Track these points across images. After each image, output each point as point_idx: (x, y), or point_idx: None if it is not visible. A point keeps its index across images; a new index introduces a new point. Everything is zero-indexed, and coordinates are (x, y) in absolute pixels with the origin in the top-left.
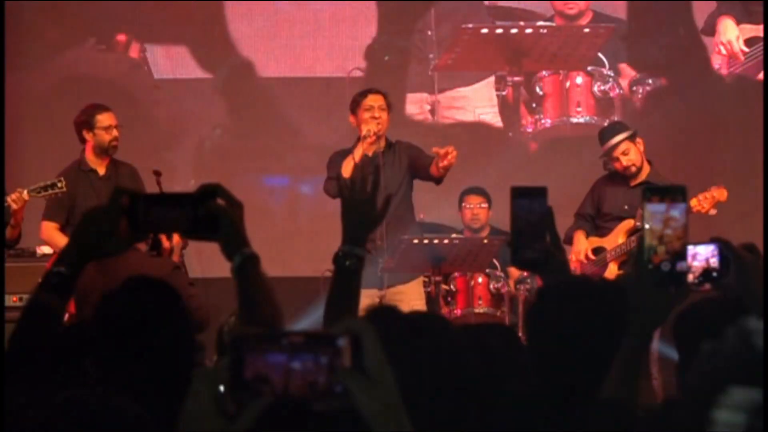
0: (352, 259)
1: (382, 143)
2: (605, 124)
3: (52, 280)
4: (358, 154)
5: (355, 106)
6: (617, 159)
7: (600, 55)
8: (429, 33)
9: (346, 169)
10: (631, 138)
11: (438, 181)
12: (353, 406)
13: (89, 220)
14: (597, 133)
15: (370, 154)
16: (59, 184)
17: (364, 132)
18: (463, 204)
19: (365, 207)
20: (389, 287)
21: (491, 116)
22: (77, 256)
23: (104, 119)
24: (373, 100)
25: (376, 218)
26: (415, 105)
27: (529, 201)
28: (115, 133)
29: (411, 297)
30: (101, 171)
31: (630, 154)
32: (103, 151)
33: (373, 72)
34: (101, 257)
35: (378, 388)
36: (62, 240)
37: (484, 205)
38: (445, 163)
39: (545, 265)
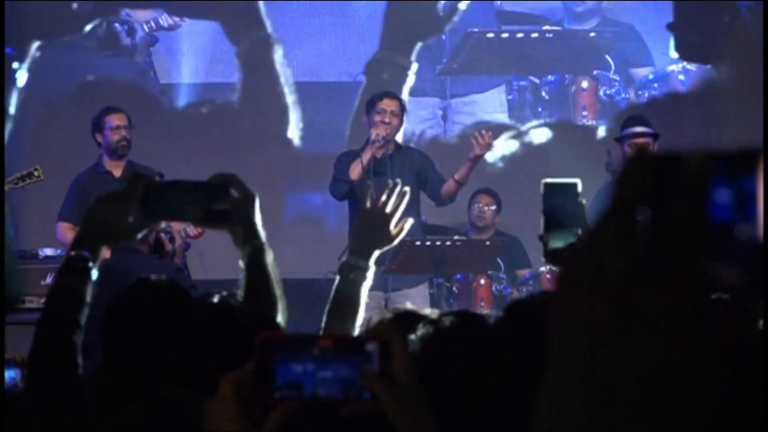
0: (356, 271)
1: (392, 147)
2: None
3: (74, 264)
4: (366, 157)
5: (369, 106)
6: (633, 145)
7: (608, 58)
8: (443, 37)
9: (354, 172)
10: (655, 137)
11: (442, 202)
12: (381, 411)
13: (104, 204)
14: (601, 135)
15: (379, 156)
16: (35, 173)
17: (372, 136)
18: (472, 201)
19: (382, 226)
20: (395, 290)
21: (501, 122)
22: (93, 239)
23: (111, 120)
24: (387, 104)
25: (389, 239)
26: (427, 110)
27: (560, 195)
28: (123, 133)
29: (416, 300)
30: (117, 173)
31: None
32: (112, 151)
33: (371, 87)
34: (113, 242)
35: (406, 394)
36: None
37: (493, 206)
38: (481, 149)
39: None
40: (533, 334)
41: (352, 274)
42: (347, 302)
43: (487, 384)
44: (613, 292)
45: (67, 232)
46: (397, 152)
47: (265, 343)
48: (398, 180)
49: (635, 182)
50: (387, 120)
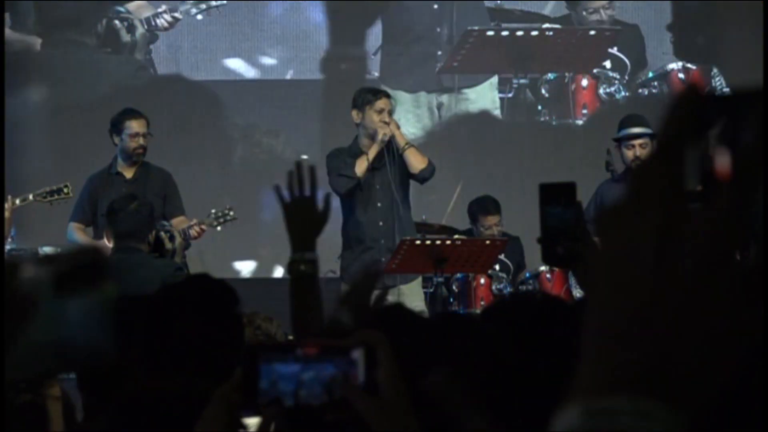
0: (306, 264)
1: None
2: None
3: None
4: (372, 154)
5: (362, 103)
6: (633, 146)
7: (607, 56)
8: (438, 30)
9: (360, 168)
10: (653, 136)
11: (420, 177)
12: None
13: None
14: (600, 134)
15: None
16: (65, 190)
17: (380, 135)
18: (480, 223)
19: (310, 210)
20: (389, 287)
21: (494, 118)
22: None
23: (132, 126)
24: (385, 104)
25: (321, 219)
26: (422, 106)
27: (557, 197)
28: (141, 141)
29: (412, 297)
30: (128, 175)
31: (646, 149)
32: (127, 156)
33: (329, 82)
34: None
35: (388, 402)
36: (84, 239)
37: (499, 223)
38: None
39: (576, 261)
40: (513, 329)
41: (303, 266)
42: (310, 297)
43: (470, 379)
44: (658, 226)
45: (77, 232)
46: (388, 149)
47: (251, 351)
48: (301, 159)
49: (683, 119)
50: (387, 119)
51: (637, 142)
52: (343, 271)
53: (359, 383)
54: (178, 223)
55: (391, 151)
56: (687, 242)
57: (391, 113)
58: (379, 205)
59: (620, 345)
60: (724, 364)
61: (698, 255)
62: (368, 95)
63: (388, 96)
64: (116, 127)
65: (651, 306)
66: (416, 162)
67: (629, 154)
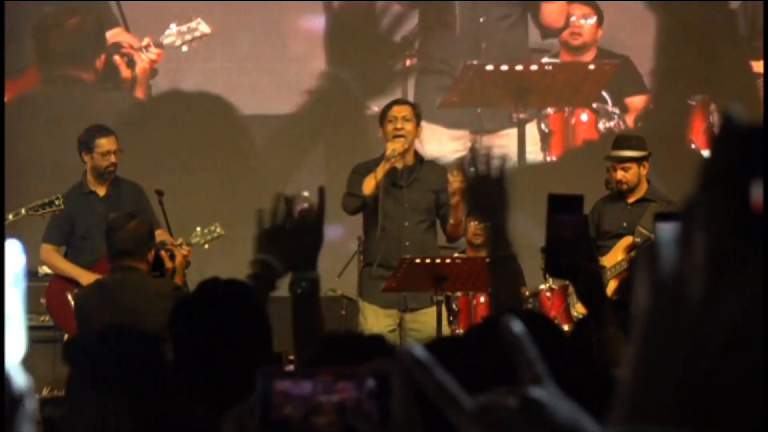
0: (307, 283)
1: (410, 158)
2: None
3: None
4: (380, 172)
5: (381, 117)
6: (615, 169)
7: (603, 93)
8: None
9: (368, 187)
10: (639, 160)
11: (449, 239)
12: None
13: None
14: (602, 159)
15: (399, 166)
16: (57, 202)
17: (388, 152)
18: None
19: (317, 229)
20: (413, 310)
21: (535, 155)
22: None
23: (103, 144)
24: (397, 111)
25: (320, 240)
26: (458, 141)
27: (565, 208)
28: (112, 159)
29: (434, 320)
30: (101, 192)
31: (629, 172)
32: (99, 175)
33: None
34: None
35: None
36: (60, 261)
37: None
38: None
39: (579, 273)
40: (496, 347)
41: (305, 284)
42: (311, 317)
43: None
44: (709, 260)
45: (50, 253)
46: (417, 165)
47: (266, 376)
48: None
49: (728, 153)
50: (399, 126)
51: (619, 166)
52: (360, 288)
53: (372, 411)
54: (158, 235)
55: (417, 167)
56: (737, 276)
57: (408, 119)
58: (406, 224)
59: (663, 373)
60: (765, 400)
61: (749, 289)
62: (384, 108)
63: (403, 102)
64: (86, 145)
65: (697, 337)
66: (453, 231)
67: (612, 175)
